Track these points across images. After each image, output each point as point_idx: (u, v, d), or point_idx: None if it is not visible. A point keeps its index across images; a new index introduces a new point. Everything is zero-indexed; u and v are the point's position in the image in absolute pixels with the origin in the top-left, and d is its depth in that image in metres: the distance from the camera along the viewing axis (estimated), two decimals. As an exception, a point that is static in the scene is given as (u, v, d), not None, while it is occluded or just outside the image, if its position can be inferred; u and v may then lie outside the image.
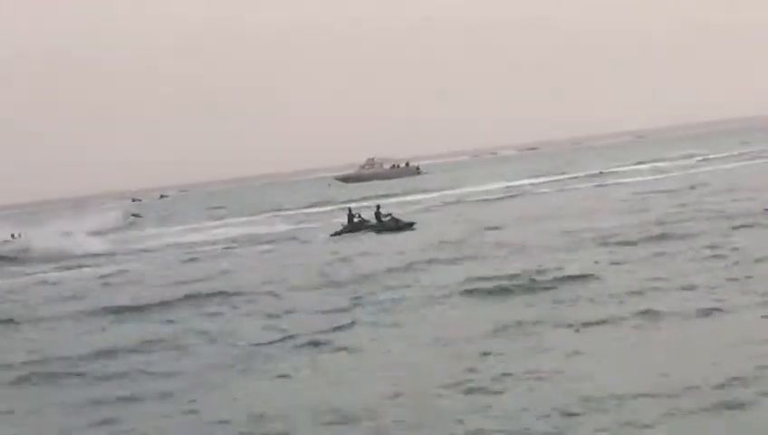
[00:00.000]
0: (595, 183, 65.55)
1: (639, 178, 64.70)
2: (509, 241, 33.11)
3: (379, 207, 45.82)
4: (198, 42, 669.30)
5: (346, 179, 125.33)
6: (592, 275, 23.31)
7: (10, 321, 26.71)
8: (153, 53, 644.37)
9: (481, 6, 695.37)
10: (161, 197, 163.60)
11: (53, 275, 39.96)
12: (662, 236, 29.61)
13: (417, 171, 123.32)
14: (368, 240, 40.32)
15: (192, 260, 40.90)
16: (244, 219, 67.53)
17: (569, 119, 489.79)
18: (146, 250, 49.30)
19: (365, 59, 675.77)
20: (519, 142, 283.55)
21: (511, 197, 62.40)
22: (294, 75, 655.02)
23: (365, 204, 59.64)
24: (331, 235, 44.40)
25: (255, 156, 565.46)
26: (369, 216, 44.74)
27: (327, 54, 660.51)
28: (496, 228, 38.81)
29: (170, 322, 23.52)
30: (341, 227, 44.65)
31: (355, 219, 44.68)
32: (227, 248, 45.33)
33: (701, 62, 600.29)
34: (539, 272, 24.47)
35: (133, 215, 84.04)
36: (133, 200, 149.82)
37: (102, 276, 36.97)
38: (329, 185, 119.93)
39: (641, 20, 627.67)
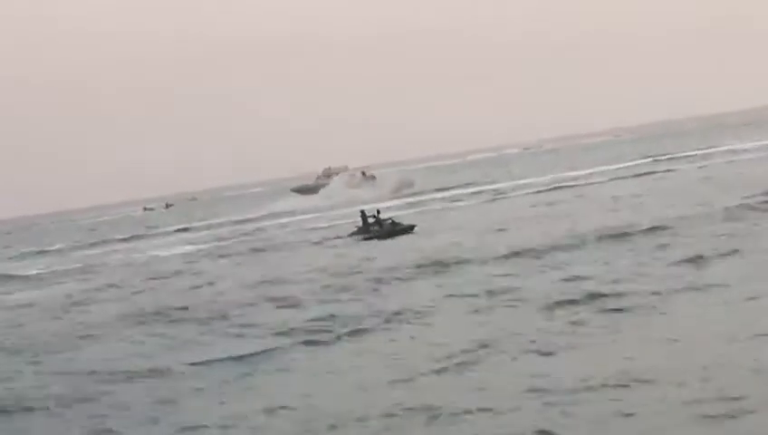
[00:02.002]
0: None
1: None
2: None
3: (378, 211, 47.11)
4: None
5: (302, 190, 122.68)
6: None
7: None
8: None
9: (465, 9, 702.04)
10: (167, 206, 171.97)
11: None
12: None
13: (373, 180, 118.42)
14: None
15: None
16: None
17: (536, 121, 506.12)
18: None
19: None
20: (486, 146, 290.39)
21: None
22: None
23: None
24: (349, 235, 46.80)
25: (211, 168, 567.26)
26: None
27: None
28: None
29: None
30: (356, 229, 46.81)
31: (370, 220, 45.99)
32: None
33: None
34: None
35: None
36: (145, 209, 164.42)
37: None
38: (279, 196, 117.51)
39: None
